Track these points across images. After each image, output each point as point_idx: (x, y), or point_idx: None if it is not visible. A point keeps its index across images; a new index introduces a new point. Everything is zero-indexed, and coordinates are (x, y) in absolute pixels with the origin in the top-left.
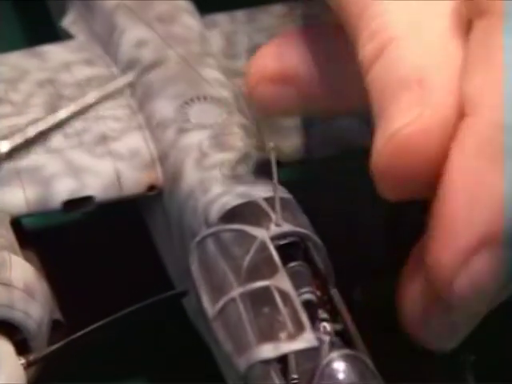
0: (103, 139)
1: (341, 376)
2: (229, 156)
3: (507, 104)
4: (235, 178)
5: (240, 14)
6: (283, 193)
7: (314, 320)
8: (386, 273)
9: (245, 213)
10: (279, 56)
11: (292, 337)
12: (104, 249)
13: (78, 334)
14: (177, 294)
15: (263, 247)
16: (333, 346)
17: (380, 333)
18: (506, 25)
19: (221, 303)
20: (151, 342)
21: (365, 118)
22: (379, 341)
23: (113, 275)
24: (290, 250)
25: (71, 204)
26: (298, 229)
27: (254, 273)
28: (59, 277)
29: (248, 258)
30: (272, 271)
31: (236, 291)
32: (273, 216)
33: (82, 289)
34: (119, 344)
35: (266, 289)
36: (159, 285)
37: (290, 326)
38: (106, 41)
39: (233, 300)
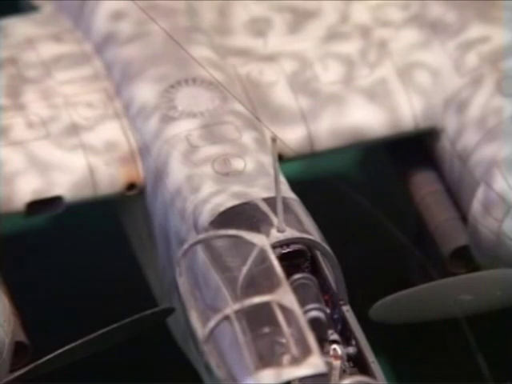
0: (74, 129)
1: None
2: (222, 149)
3: None
4: (230, 175)
5: None
6: (286, 192)
7: (323, 342)
8: (407, 286)
9: (241, 216)
10: None
11: (296, 361)
12: (75, 258)
13: (46, 357)
14: (160, 312)
15: (263, 256)
16: (344, 373)
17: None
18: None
19: (213, 322)
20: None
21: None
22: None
23: (87, 289)
24: (295, 259)
25: (36, 206)
26: (303, 235)
27: (252, 287)
28: (23, 292)
29: (245, 270)
30: (273, 285)
31: (231, 308)
32: (274, 220)
33: (50, 305)
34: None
35: (267, 305)
36: (139, 301)
37: (294, 348)
38: (77, 13)
39: (227, 318)
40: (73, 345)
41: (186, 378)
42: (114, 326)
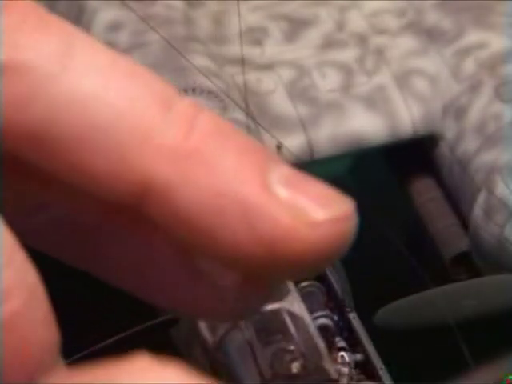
0: None
1: None
2: None
3: None
4: None
5: None
6: None
7: (331, 349)
8: (410, 293)
9: None
10: None
11: (306, 369)
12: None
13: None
14: (165, 322)
15: None
16: (352, 380)
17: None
18: None
19: (222, 330)
20: None
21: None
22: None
23: (87, 292)
24: None
25: None
26: None
27: None
28: None
29: None
30: (282, 292)
31: None
32: None
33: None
34: None
35: (276, 312)
36: (140, 305)
37: (304, 355)
38: (74, 24)
39: (237, 326)
40: (76, 356)
41: None
42: (117, 337)
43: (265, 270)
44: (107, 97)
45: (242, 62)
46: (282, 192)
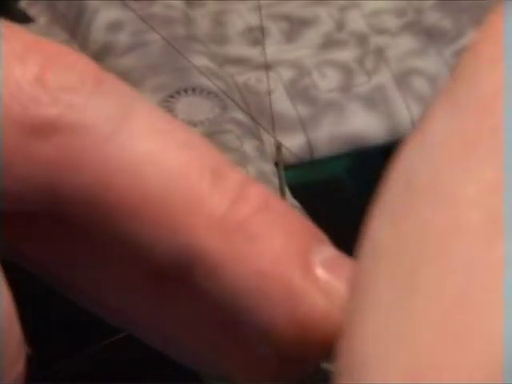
0: None
1: None
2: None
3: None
4: None
5: None
6: (289, 199)
7: None
8: None
9: None
10: None
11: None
12: None
13: (52, 369)
14: None
15: None
16: None
17: None
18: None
19: None
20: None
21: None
22: None
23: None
24: None
25: None
26: None
27: None
28: (26, 297)
29: None
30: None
31: None
32: None
33: (54, 313)
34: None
35: None
36: None
37: None
38: (74, 24)
39: None
40: (79, 355)
41: (185, 379)
42: (118, 336)
43: (297, 349)
44: (162, 163)
45: (243, 62)
46: (322, 274)
